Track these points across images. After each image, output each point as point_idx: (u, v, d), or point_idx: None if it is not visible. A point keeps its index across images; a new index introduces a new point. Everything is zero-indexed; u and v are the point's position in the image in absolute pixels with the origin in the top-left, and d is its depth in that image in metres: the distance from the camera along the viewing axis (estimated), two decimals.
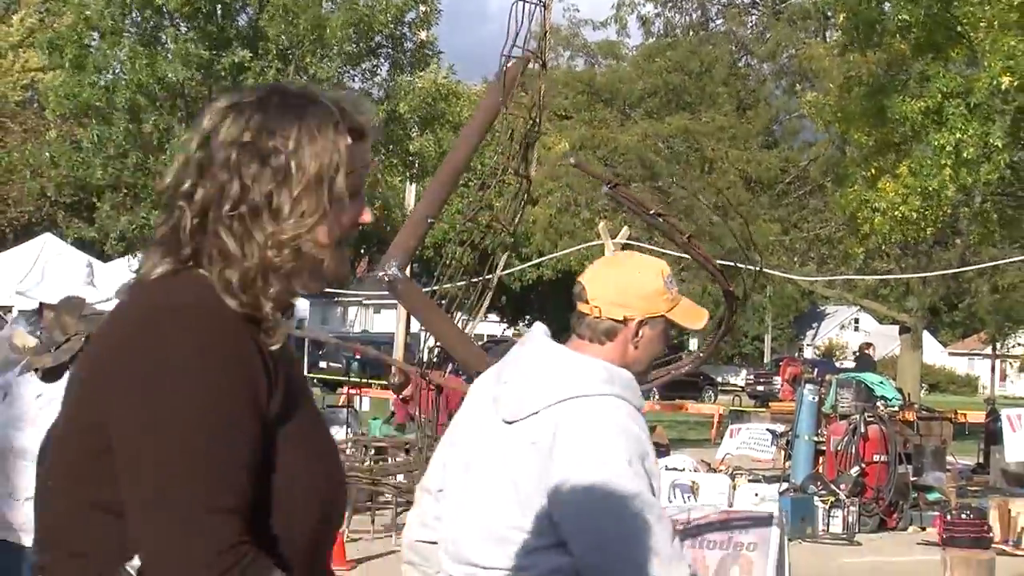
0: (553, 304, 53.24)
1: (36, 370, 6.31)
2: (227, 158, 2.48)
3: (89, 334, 6.08)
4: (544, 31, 9.88)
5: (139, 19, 22.63)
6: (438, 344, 11.67)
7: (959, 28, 20.55)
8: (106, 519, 2.43)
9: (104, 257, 23.16)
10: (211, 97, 22.00)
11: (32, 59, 47.63)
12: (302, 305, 29.13)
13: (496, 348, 26.67)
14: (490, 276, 11.16)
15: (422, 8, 24.31)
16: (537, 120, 10.48)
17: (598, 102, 44.25)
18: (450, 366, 16.10)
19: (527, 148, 11.26)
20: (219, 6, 22.63)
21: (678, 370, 6.10)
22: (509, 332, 55.10)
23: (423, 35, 24.60)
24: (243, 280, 2.47)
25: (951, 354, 77.18)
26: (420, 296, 5.14)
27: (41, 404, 6.19)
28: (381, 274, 5.26)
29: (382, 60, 24.51)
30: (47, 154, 23.16)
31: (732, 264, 19.98)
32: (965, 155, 20.04)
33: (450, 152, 5.41)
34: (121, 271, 23.88)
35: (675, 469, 15.09)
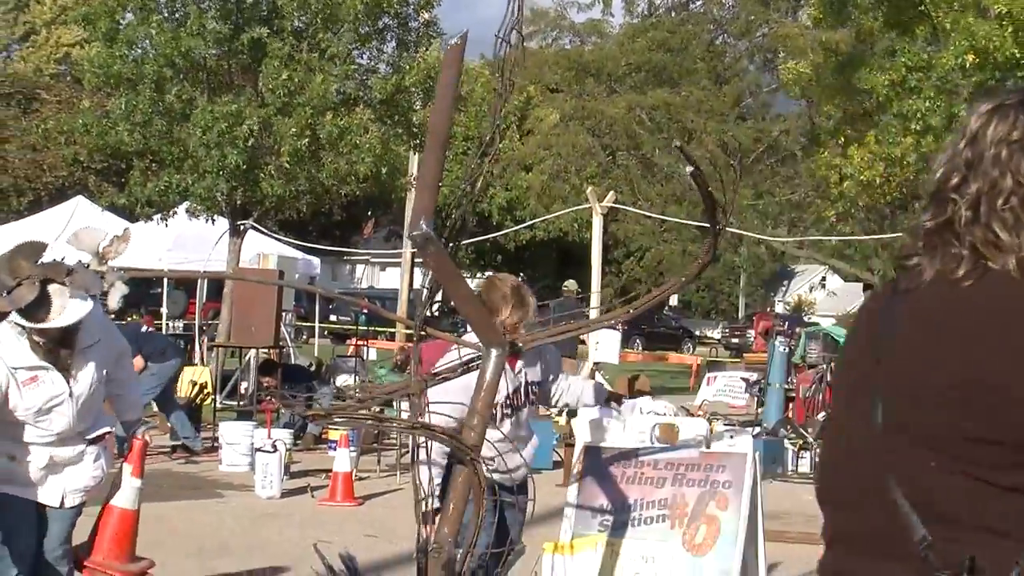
0: (544, 262, 52.95)
1: None
2: (997, 155, 2.50)
3: (44, 279, 5.70)
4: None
5: None
6: (441, 301, 11.33)
7: (923, 7, 20.53)
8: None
9: (133, 219, 22.91)
10: (255, 70, 21.88)
11: (64, 35, 47.20)
12: (314, 263, 28.78)
13: (553, 303, 26.67)
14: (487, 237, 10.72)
15: None
16: (509, 85, 9.98)
17: (586, 77, 44.25)
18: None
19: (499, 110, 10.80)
20: None
21: (663, 293, 5.84)
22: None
23: (426, 16, 24.23)
24: (1019, 267, 2.47)
25: None
26: (445, 258, 4.96)
27: None
28: (416, 233, 4.79)
29: (389, 39, 24.15)
30: (80, 122, 22.95)
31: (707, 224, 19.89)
32: (932, 122, 20.18)
33: (432, 121, 4.98)
34: (151, 233, 23.62)
35: (656, 414, 14.96)
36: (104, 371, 6.17)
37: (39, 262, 5.67)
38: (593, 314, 16.37)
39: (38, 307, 5.54)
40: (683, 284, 5.28)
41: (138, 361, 14.64)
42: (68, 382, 5.95)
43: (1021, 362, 2.39)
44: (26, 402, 5.85)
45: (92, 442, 6.14)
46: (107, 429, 6.27)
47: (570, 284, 24.58)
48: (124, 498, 6.31)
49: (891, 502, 2.50)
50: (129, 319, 25.52)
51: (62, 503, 6.02)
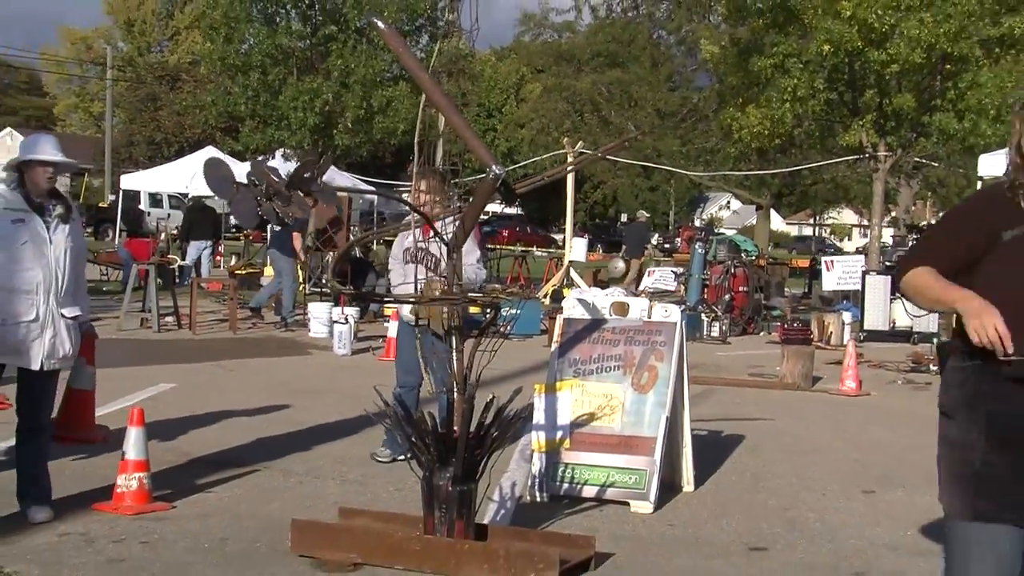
0: (533, 192, 52.75)
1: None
2: None
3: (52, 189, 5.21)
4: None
5: (260, 7, 22.27)
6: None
7: (797, 11, 20.46)
8: None
9: (243, 158, 23.07)
10: (328, 57, 21.84)
11: (197, 37, 46.95)
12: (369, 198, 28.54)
13: (631, 226, 27.45)
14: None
15: None
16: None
17: (562, 62, 44.32)
18: None
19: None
20: None
21: (553, 175, 5.98)
22: (509, 210, 54.47)
23: (449, 16, 24.00)
24: None
25: (788, 223, 76.86)
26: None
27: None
28: (497, 172, 4.65)
29: (422, 33, 23.92)
30: (208, 98, 22.99)
31: (651, 165, 20.07)
32: (800, 93, 20.19)
33: (432, 99, 4.75)
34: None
35: (611, 296, 15.03)
36: (78, 243, 5.39)
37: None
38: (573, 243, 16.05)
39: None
40: (562, 172, 5.07)
41: (297, 242, 14.94)
42: (48, 231, 5.21)
43: None
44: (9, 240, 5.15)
45: (66, 318, 5.32)
46: (78, 313, 5.40)
47: (642, 213, 26.57)
48: (82, 381, 5.66)
49: None
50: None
51: (42, 367, 5.25)
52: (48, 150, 5.33)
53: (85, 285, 5.70)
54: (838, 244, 64.30)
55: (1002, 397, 2.90)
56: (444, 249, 5.35)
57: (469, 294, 5.50)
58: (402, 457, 6.63)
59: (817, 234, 65.39)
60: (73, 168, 5.70)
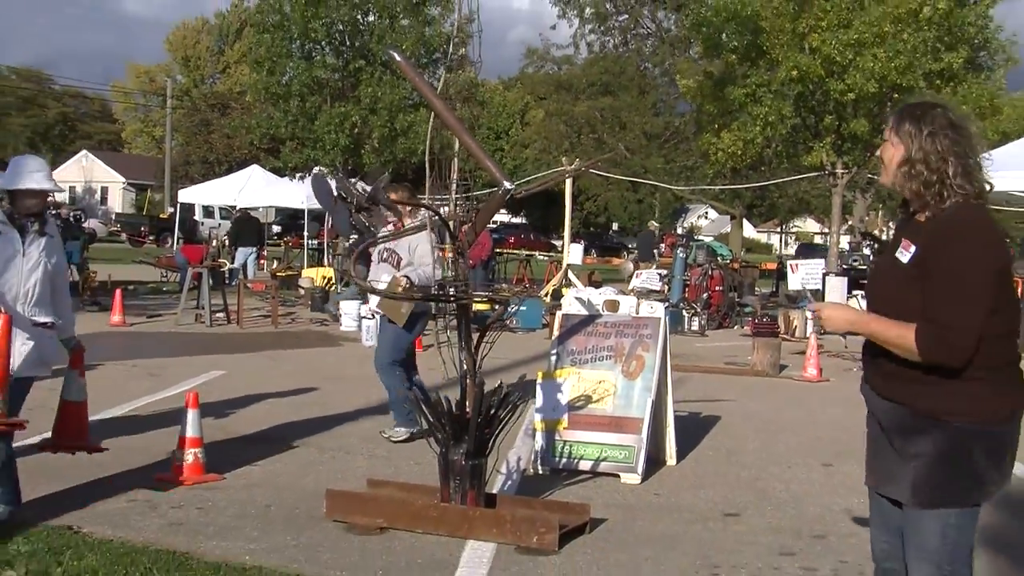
0: (536, 204, 52.53)
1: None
2: None
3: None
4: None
5: (299, 44, 22.21)
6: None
7: (764, 48, 20.36)
8: None
9: (282, 174, 23.08)
10: (357, 87, 21.81)
11: (244, 69, 46.92)
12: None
13: (641, 234, 27.56)
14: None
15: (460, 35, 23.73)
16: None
17: (561, 90, 44.11)
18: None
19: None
20: (346, 35, 22.27)
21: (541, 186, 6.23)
22: (515, 220, 54.30)
23: (462, 51, 23.90)
24: None
25: (758, 231, 76.51)
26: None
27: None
28: (509, 186, 4.67)
29: (438, 65, 23.86)
30: (253, 122, 22.96)
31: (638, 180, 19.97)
32: (770, 119, 20.14)
33: (447, 123, 4.77)
34: (296, 186, 23.54)
35: (604, 295, 14.99)
36: (52, 260, 4.94)
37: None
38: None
39: None
40: (546, 184, 5.11)
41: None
42: (23, 245, 4.82)
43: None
44: None
45: (37, 326, 4.89)
46: (50, 320, 4.94)
47: (652, 223, 26.74)
48: (72, 393, 5.09)
49: None
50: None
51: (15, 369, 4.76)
52: (37, 179, 4.91)
53: (68, 300, 5.21)
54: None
55: (866, 376, 2.94)
56: (404, 252, 5.66)
57: (479, 291, 5.54)
58: (405, 431, 6.75)
59: (783, 240, 65.01)
60: (59, 191, 5.35)
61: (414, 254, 6.73)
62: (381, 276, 6.77)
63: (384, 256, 6.85)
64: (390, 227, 6.87)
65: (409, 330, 6.80)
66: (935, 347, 2.65)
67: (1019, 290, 13.97)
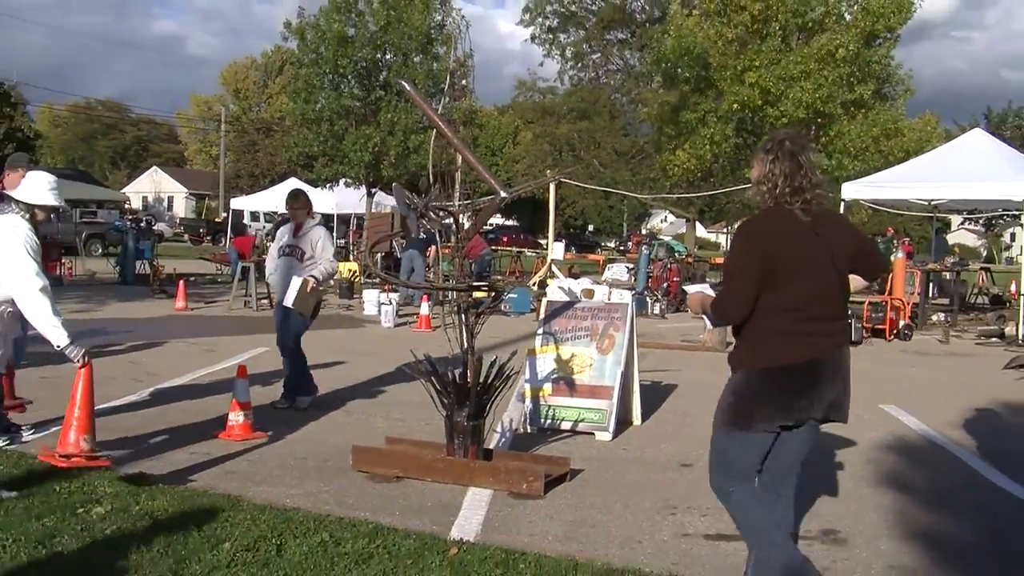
0: (524, 210, 52.45)
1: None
2: None
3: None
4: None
5: (331, 78, 21.98)
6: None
7: (712, 80, 20.36)
8: None
9: (316, 185, 23.03)
10: (378, 113, 21.58)
11: (284, 99, 46.68)
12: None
13: (651, 240, 27.25)
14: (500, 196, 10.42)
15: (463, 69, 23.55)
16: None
17: (546, 116, 43.99)
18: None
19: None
20: (369, 70, 22.10)
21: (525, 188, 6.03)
22: (508, 223, 54.24)
23: (464, 82, 23.73)
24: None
25: (708, 232, 76.48)
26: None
27: None
28: (505, 195, 4.58)
29: (444, 94, 23.67)
30: (292, 141, 22.85)
31: (610, 190, 19.91)
32: (716, 139, 20.15)
33: (451, 142, 4.69)
34: (326, 194, 23.47)
35: (581, 284, 14.94)
36: None
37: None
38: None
39: None
40: (503, 199, 4.88)
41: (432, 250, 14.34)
42: None
43: None
44: None
45: None
46: None
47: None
48: None
49: None
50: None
51: None
52: (53, 196, 4.59)
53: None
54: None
55: None
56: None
57: (471, 281, 5.44)
58: (284, 406, 6.43)
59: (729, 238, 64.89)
60: (66, 208, 5.07)
61: (315, 248, 6.49)
62: (289, 270, 6.46)
63: (287, 252, 6.55)
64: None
65: (310, 320, 6.57)
66: (717, 311, 3.06)
67: (917, 280, 13.96)
